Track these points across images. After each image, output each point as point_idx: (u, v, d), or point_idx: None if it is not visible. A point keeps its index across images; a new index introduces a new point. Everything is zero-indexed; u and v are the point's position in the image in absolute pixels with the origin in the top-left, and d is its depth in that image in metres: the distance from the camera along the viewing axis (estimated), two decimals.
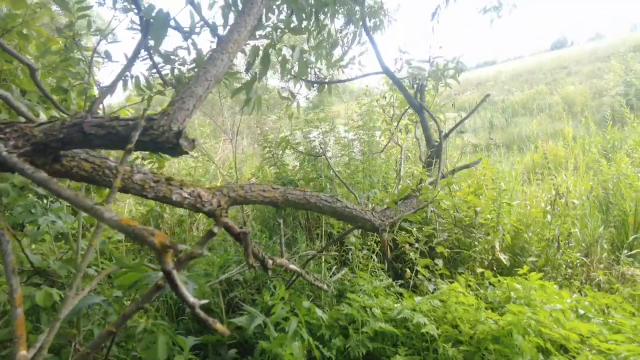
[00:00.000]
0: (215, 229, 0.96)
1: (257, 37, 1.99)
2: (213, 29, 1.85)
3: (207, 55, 2.14)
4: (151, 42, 1.97)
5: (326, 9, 2.78)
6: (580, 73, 19.12)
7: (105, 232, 3.09)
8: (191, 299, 0.87)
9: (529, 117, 14.62)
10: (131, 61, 1.59)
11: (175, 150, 1.17)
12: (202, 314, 0.89)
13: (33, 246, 2.64)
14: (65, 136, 1.12)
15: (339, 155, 4.29)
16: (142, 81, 2.50)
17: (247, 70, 2.04)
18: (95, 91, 2.54)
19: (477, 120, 15.19)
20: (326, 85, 3.04)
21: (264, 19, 2.10)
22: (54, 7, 2.36)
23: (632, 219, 4.48)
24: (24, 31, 2.03)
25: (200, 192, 1.60)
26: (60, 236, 2.40)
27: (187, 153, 1.20)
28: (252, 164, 7.06)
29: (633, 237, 4.31)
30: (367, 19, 3.03)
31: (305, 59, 2.87)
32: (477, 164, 3.32)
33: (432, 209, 2.73)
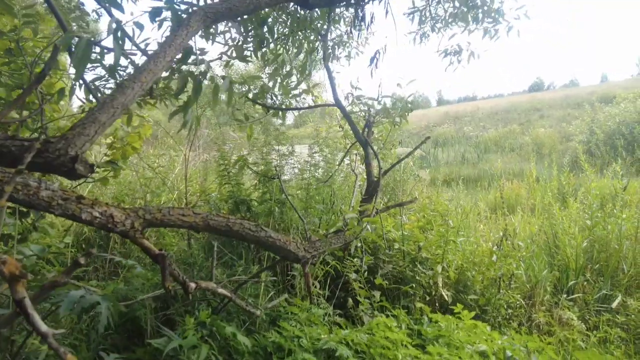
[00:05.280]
0: (82, 260, 0.96)
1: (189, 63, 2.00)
2: (145, 53, 1.87)
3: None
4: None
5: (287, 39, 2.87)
6: (552, 117, 20.01)
7: (46, 240, 3.01)
8: (43, 328, 0.87)
9: (500, 155, 15.15)
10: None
11: (71, 174, 1.18)
12: (54, 343, 0.89)
13: None
14: None
15: (298, 178, 4.31)
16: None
17: (176, 96, 2.07)
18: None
19: (451, 153, 15.64)
20: (280, 111, 3.11)
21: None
22: None
23: (574, 264, 4.65)
24: None
25: (113, 213, 1.59)
26: None
27: (84, 177, 1.21)
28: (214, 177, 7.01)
29: (573, 281, 4.47)
30: (327, 50, 3.13)
31: (262, 84, 2.94)
32: (411, 203, 3.42)
33: (360, 245, 2.78)
